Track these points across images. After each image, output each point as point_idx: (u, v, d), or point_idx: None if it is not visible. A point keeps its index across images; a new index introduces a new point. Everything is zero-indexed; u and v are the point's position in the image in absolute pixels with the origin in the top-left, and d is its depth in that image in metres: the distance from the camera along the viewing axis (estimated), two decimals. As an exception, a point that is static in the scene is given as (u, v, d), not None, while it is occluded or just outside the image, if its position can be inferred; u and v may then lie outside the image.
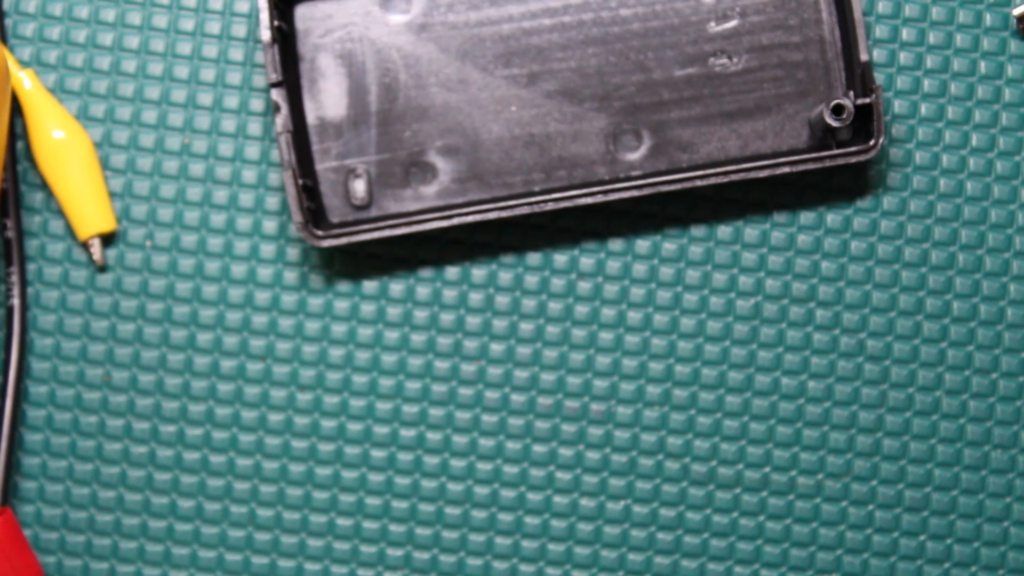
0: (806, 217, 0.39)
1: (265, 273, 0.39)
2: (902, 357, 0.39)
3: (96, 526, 0.38)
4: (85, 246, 0.39)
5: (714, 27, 0.39)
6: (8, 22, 0.39)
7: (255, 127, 0.39)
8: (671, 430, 0.39)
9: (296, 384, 0.39)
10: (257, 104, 0.39)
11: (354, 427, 0.39)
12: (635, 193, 0.37)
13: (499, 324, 0.39)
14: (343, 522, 0.38)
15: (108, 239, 0.39)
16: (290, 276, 0.39)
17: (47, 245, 0.39)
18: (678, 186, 0.37)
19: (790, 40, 0.39)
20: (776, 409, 0.39)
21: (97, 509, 0.38)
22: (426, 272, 0.39)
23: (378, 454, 0.38)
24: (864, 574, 0.38)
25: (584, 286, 0.39)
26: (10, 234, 0.38)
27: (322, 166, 0.38)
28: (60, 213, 0.39)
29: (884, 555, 0.39)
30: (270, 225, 0.39)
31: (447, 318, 0.39)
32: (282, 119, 0.37)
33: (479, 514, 0.38)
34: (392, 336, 0.39)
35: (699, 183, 0.37)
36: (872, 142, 0.37)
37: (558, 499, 0.39)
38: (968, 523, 0.39)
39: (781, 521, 0.39)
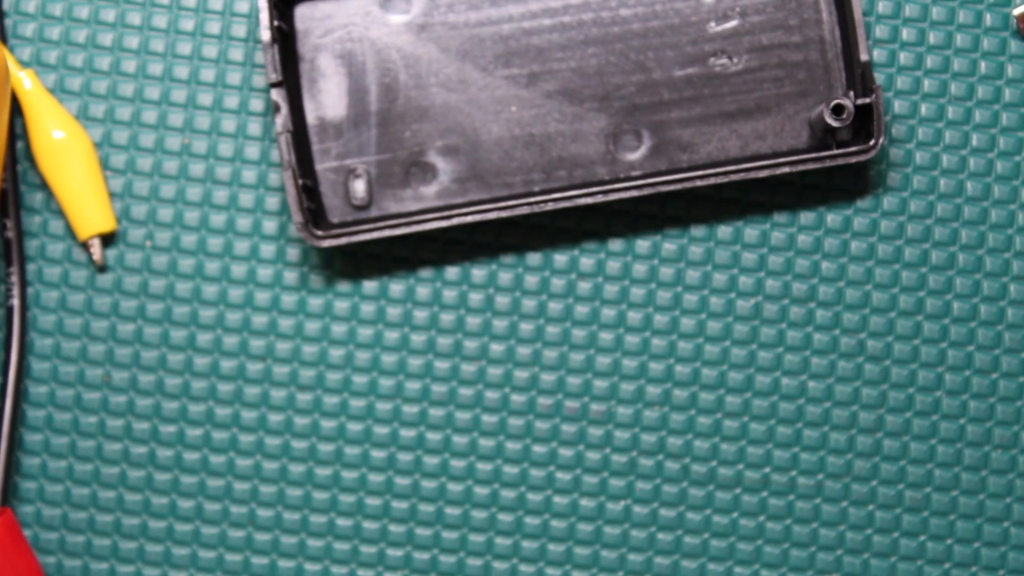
0: (806, 217, 0.39)
1: (265, 273, 0.39)
2: (902, 357, 0.39)
3: (96, 526, 0.38)
4: (85, 246, 0.39)
5: (714, 27, 0.39)
6: (8, 22, 0.39)
7: (255, 127, 0.39)
8: (671, 430, 0.39)
9: (296, 384, 0.39)
10: (257, 104, 0.39)
11: (354, 427, 0.38)
12: (635, 193, 0.37)
13: (499, 324, 0.39)
14: (343, 522, 0.38)
15: (108, 239, 0.39)
16: (290, 276, 0.39)
17: (47, 245, 0.39)
18: (678, 186, 0.37)
19: (790, 40, 0.39)
20: (776, 409, 0.39)
21: (97, 509, 0.38)
22: (426, 272, 0.39)
23: (378, 454, 0.38)
24: (864, 575, 0.38)
25: (584, 286, 0.39)
26: (10, 234, 0.38)
27: (322, 166, 0.38)
28: (60, 213, 0.39)
29: (884, 556, 0.38)
30: (270, 225, 0.39)
31: (447, 318, 0.39)
32: (282, 119, 0.37)
33: (479, 514, 0.38)
34: (392, 336, 0.39)
35: (699, 183, 0.37)
36: (872, 142, 0.37)
37: (558, 499, 0.39)
38: (968, 523, 0.39)
39: (781, 521, 0.39)
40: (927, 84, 0.40)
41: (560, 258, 0.39)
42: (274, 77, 0.37)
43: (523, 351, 0.39)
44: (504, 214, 0.37)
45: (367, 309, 0.39)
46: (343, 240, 0.37)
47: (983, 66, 0.40)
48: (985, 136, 0.39)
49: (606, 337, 0.39)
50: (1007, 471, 0.39)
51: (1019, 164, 0.39)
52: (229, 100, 0.39)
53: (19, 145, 0.39)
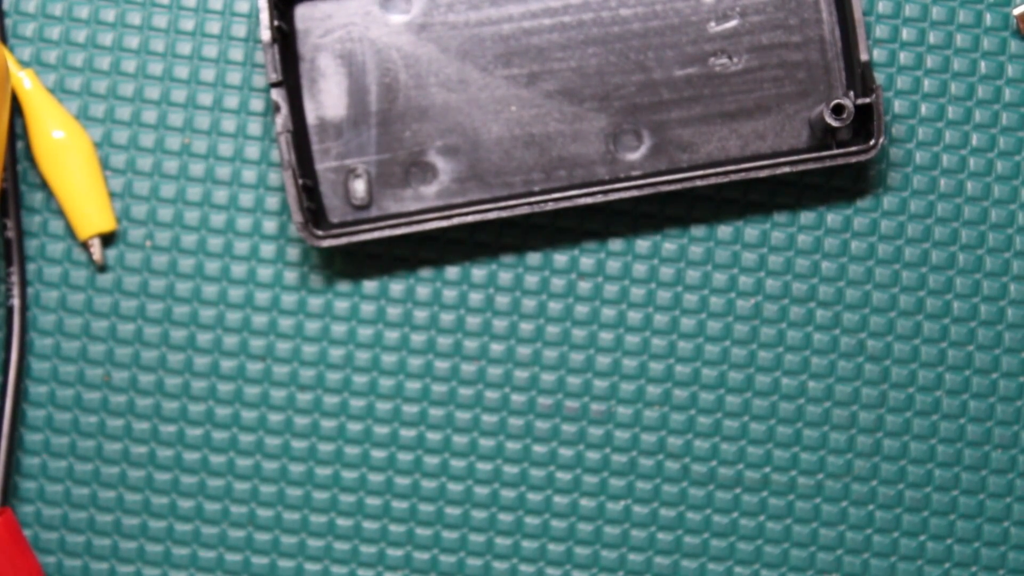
0: (806, 217, 0.39)
1: (265, 273, 0.39)
2: (902, 357, 0.39)
3: (96, 526, 0.38)
4: (85, 246, 0.39)
5: (714, 27, 0.39)
6: (8, 22, 0.39)
7: (255, 127, 0.39)
8: (671, 430, 0.39)
9: (296, 384, 0.39)
10: (257, 104, 0.39)
11: (354, 427, 0.38)
12: (635, 193, 0.37)
13: (499, 324, 0.39)
14: (343, 522, 0.38)
15: (108, 239, 0.39)
16: (290, 276, 0.39)
17: (47, 245, 0.39)
18: (678, 186, 0.37)
19: (790, 40, 0.39)
20: (776, 409, 0.39)
21: (97, 509, 0.38)
22: (426, 272, 0.39)
23: (378, 454, 0.38)
24: (864, 574, 0.38)
25: (584, 286, 0.39)
26: (10, 234, 0.38)
27: (322, 166, 0.38)
28: (60, 213, 0.39)
29: (884, 555, 0.38)
30: (270, 225, 0.39)
31: (447, 318, 0.39)
32: (282, 119, 0.37)
33: (479, 514, 0.38)
34: (392, 336, 0.39)
35: (699, 183, 0.37)
36: (872, 142, 0.37)
37: (558, 499, 0.39)
38: (968, 523, 0.39)
39: (781, 521, 0.39)
40: (927, 84, 0.40)
41: (560, 258, 0.39)
42: (274, 77, 0.37)
43: (523, 351, 0.39)
44: (504, 214, 0.37)
45: (367, 309, 0.39)
46: (343, 240, 0.37)
47: (983, 66, 0.40)
48: (985, 136, 0.39)
49: (606, 337, 0.39)
50: (1007, 471, 0.39)
51: (1019, 164, 0.39)
52: (229, 100, 0.39)
53: (19, 145, 0.39)
